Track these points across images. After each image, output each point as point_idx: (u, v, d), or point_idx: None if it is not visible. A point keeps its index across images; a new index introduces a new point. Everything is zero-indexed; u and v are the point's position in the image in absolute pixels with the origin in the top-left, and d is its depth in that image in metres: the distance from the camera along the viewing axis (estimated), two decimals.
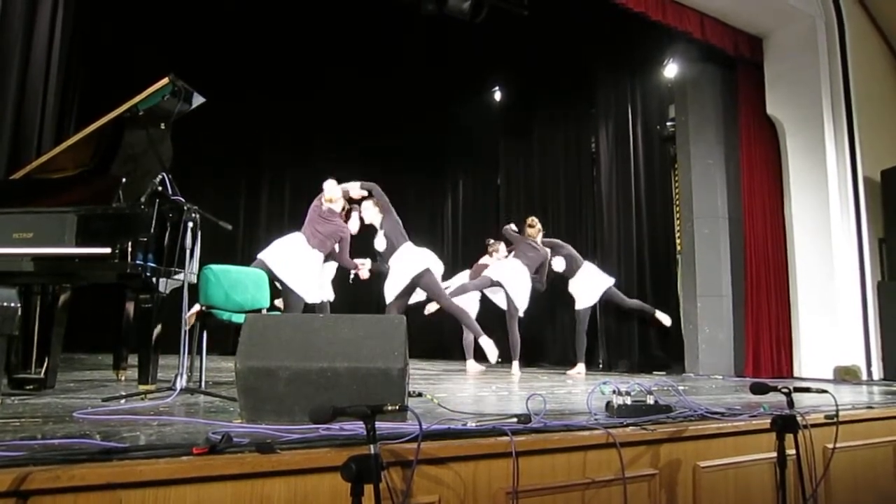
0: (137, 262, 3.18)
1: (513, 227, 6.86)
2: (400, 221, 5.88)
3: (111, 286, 3.55)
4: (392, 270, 5.84)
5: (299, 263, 5.31)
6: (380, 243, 5.89)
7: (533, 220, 6.76)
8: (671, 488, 2.56)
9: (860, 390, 5.01)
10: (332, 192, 5.59)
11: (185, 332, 3.23)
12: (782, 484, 2.32)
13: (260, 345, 2.31)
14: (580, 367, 6.58)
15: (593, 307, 6.79)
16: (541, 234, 6.73)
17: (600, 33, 7.02)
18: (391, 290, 5.81)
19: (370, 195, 5.85)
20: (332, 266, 6.66)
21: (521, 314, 6.47)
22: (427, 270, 5.77)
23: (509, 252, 6.82)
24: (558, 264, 6.74)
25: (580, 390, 4.37)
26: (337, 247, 5.64)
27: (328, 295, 6.74)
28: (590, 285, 6.68)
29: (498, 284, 6.56)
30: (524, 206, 8.95)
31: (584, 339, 6.70)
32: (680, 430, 2.59)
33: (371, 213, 5.86)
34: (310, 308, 5.84)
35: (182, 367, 3.16)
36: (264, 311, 4.22)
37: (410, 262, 5.79)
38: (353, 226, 6.00)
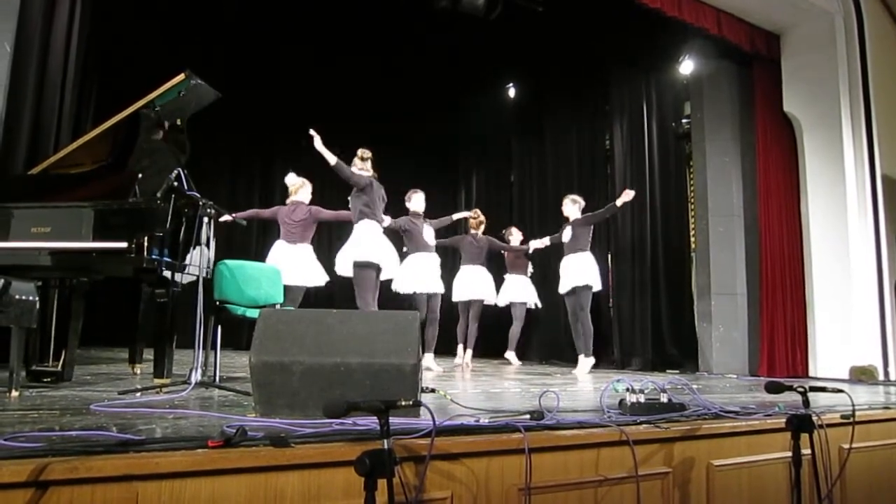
0: (153, 256, 3.21)
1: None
2: None
3: (127, 281, 3.58)
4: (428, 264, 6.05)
5: (289, 261, 5.56)
6: (432, 237, 6.13)
7: (475, 212, 7.17)
8: (684, 487, 2.55)
9: (876, 390, 4.97)
10: (294, 182, 6.07)
11: (200, 326, 3.25)
12: (797, 483, 2.30)
13: (274, 340, 2.33)
14: (582, 361, 6.41)
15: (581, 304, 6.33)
16: (482, 227, 7.09)
17: (615, 29, 6.97)
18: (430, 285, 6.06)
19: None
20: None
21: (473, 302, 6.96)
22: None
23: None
24: (565, 235, 6.46)
25: (593, 388, 4.36)
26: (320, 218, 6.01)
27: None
28: (587, 270, 6.23)
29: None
30: (537, 203, 8.94)
31: (580, 332, 6.32)
32: (694, 428, 2.57)
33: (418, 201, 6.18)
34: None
35: (197, 362, 3.19)
36: (278, 307, 4.24)
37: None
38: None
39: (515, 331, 7.34)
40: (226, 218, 6.04)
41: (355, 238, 5.33)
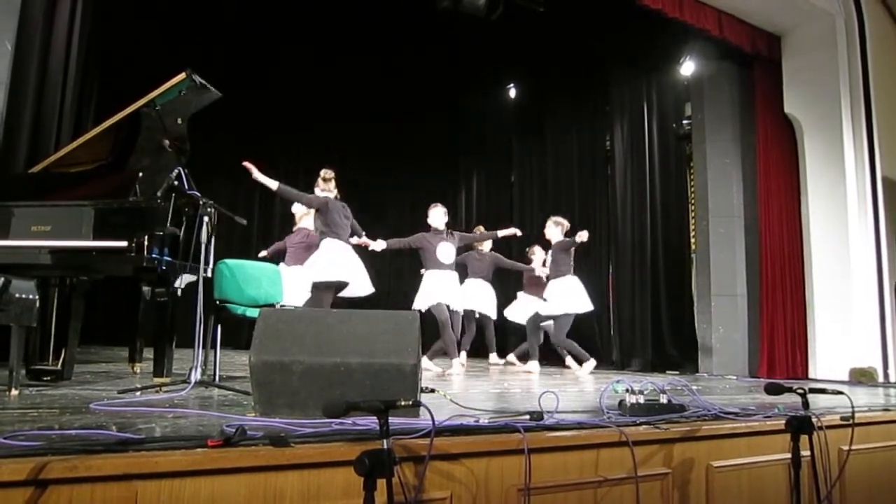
0: (153, 255, 3.21)
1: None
2: None
3: (127, 280, 3.58)
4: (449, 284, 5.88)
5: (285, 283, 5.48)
6: (450, 254, 5.91)
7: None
8: (684, 488, 2.55)
9: (876, 392, 4.97)
10: (298, 211, 6.25)
11: (200, 325, 3.25)
12: (797, 485, 2.30)
13: (274, 339, 2.33)
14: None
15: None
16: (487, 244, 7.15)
17: (615, 30, 6.97)
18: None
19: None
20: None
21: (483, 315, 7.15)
22: None
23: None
24: (547, 259, 6.61)
25: (593, 388, 4.36)
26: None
27: None
28: (569, 295, 6.25)
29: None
30: (538, 204, 8.94)
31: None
32: (693, 429, 2.57)
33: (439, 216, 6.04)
34: None
35: (197, 361, 3.19)
36: (278, 306, 4.24)
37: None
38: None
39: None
40: (263, 254, 6.31)
41: (311, 259, 5.29)
